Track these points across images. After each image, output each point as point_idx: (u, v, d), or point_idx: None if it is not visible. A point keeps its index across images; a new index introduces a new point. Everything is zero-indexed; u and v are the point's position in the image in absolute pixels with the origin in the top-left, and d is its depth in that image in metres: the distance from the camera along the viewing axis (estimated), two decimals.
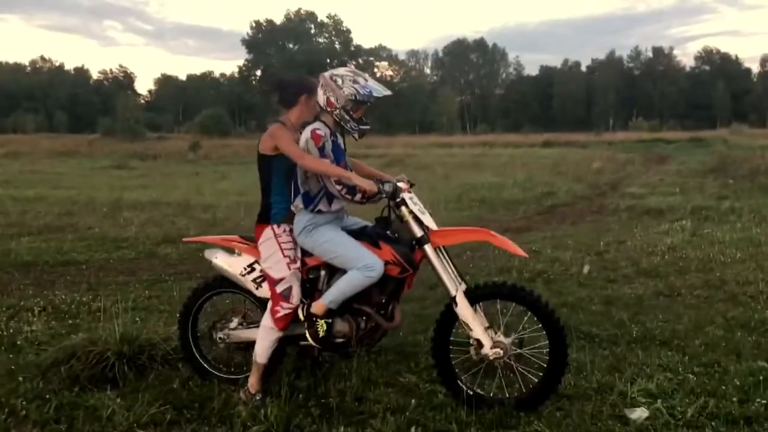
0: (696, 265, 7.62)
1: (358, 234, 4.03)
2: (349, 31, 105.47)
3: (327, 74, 3.99)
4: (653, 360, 4.63)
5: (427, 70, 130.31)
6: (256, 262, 4.15)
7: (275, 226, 4.02)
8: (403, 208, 3.93)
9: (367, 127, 4.07)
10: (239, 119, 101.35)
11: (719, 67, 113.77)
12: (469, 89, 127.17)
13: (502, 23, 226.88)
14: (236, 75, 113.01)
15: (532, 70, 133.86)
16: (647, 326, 5.43)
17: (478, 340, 3.91)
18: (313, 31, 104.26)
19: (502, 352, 3.90)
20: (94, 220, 11.49)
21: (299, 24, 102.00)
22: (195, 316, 4.47)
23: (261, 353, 4.04)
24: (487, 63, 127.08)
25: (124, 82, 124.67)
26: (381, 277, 3.87)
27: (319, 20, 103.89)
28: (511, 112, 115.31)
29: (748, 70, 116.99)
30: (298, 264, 4.03)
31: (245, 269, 4.21)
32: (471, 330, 3.92)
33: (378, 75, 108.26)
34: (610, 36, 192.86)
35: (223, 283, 4.41)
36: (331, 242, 3.93)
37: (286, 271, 3.96)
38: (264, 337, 4.03)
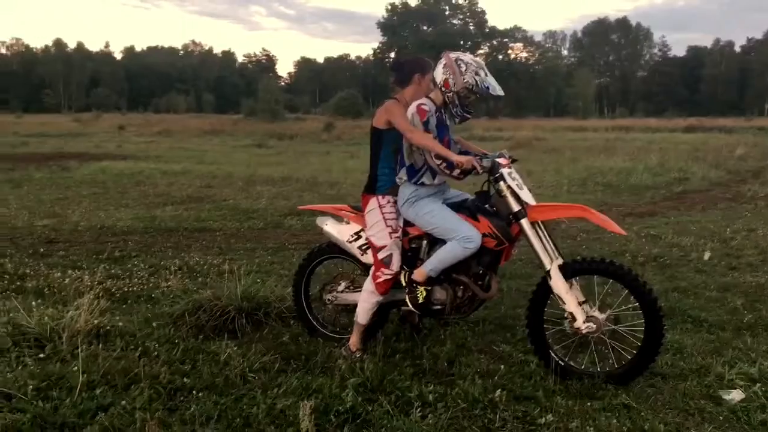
0: None
1: (458, 207, 4.21)
2: (483, 12, 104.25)
3: (453, 55, 4.14)
4: (760, 346, 4.49)
5: (565, 52, 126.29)
6: (362, 230, 4.44)
7: (380, 197, 4.28)
8: (501, 183, 4.05)
9: (470, 116, 4.21)
10: (372, 101, 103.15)
11: None
12: (608, 71, 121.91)
13: (649, 1, 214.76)
14: (371, 57, 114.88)
15: (678, 50, 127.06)
16: (762, 314, 5.25)
17: (571, 314, 4.00)
18: (447, 12, 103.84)
19: (594, 326, 3.96)
20: (230, 192, 12.38)
21: (434, 5, 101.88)
22: (308, 278, 4.85)
23: (362, 315, 4.34)
24: (630, 43, 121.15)
25: (266, 65, 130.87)
26: (478, 249, 4.04)
27: (453, 2, 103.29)
28: (654, 95, 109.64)
29: None
30: (400, 233, 4.28)
31: (352, 236, 4.52)
32: (564, 303, 4.00)
33: (512, 57, 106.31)
34: None
35: (335, 249, 4.74)
36: (432, 214, 4.13)
37: (388, 240, 4.22)
38: (365, 300, 4.33)
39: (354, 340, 4.39)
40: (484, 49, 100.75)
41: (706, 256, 7.19)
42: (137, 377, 3.86)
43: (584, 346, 4.25)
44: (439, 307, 4.23)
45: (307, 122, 51.92)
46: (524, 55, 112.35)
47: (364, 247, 4.47)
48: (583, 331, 3.99)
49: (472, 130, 36.29)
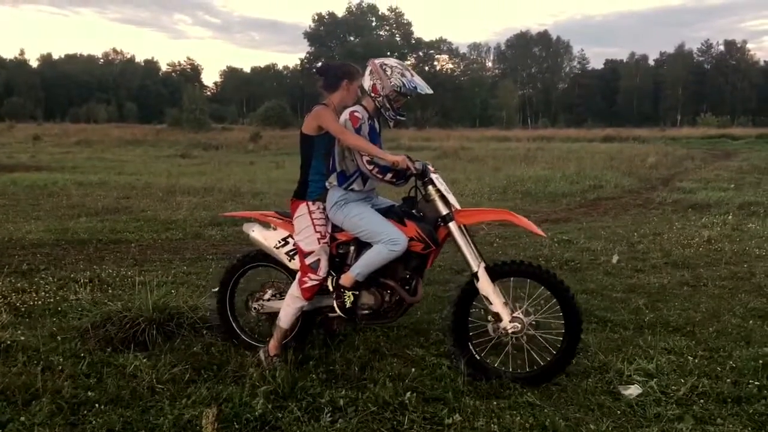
0: (729, 257, 7.58)
1: (385, 212, 4.24)
2: (409, 24, 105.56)
3: (377, 61, 4.20)
4: (658, 343, 4.72)
5: (489, 64, 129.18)
6: (290, 236, 4.40)
7: (310, 203, 4.25)
8: (430, 187, 4.13)
9: (403, 117, 4.29)
10: (300, 111, 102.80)
11: None
12: (531, 83, 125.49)
13: (568, 16, 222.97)
14: (298, 67, 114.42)
15: (597, 63, 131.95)
16: (663, 313, 5.51)
17: (497, 314, 4.10)
18: (374, 23, 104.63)
19: (519, 326, 4.07)
20: (148, 203, 12.07)
21: (360, 17, 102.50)
22: (234, 285, 4.77)
23: (284, 319, 4.31)
24: (551, 56, 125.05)
25: (191, 74, 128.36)
26: (405, 253, 4.09)
27: (380, 13, 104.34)
28: (575, 106, 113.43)
29: None
30: (328, 239, 4.27)
31: (279, 242, 4.47)
32: (491, 304, 4.10)
33: (438, 68, 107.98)
34: (680, 29, 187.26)
35: (262, 257, 4.67)
36: (360, 217, 4.14)
37: (316, 245, 4.21)
38: (289, 304, 4.30)
39: (273, 345, 4.35)
40: (410, 60, 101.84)
41: (614, 259, 7.50)
42: (39, 392, 3.74)
43: (495, 349, 4.35)
44: (366, 311, 4.25)
45: (233, 132, 51.24)
46: (450, 66, 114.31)
47: (291, 253, 4.42)
48: (509, 331, 4.09)
49: (400, 140, 36.65)
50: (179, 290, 5.69)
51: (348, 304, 4.21)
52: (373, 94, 4.17)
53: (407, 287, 4.23)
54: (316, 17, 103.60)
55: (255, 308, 4.64)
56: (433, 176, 4.15)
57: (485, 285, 4.09)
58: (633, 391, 3.95)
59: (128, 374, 4.06)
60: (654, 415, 3.65)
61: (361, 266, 4.14)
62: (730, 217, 10.29)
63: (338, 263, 4.35)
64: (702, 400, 3.80)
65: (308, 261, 4.23)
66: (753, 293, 6.13)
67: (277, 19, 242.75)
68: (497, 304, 4.09)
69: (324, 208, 4.28)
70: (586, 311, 5.50)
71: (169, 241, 8.84)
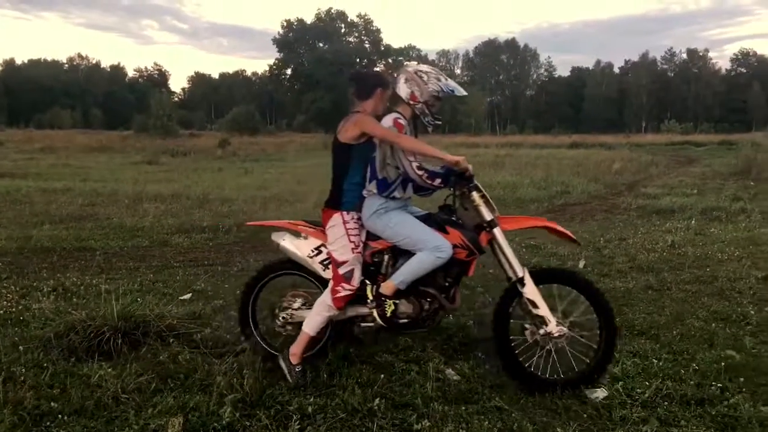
0: (692, 261, 7.71)
1: (425, 220, 4.20)
2: (379, 31, 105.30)
3: (411, 69, 4.19)
4: (624, 347, 4.78)
5: (458, 71, 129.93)
6: (323, 245, 4.33)
7: (345, 213, 4.16)
8: (475, 193, 4.11)
9: (440, 122, 4.25)
10: (270, 117, 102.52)
11: (756, 69, 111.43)
12: (499, 90, 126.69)
13: (535, 24, 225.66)
14: (267, 74, 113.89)
15: (563, 71, 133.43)
16: (628, 317, 5.59)
17: (543, 318, 4.10)
18: (343, 30, 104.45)
19: (566, 330, 4.12)
20: (114, 210, 11.88)
21: (329, 23, 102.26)
22: (257, 294, 4.67)
23: (312, 325, 4.25)
24: (518, 64, 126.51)
25: (158, 80, 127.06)
26: (447, 261, 4.05)
27: (349, 20, 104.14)
28: (542, 113, 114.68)
29: None
30: (361, 249, 4.21)
31: (313, 251, 4.39)
32: (537, 308, 4.09)
33: None
34: (644, 37, 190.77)
35: (287, 265, 4.58)
36: (402, 225, 4.09)
37: (350, 255, 4.14)
38: (319, 312, 4.24)
39: (296, 351, 4.25)
40: (380, 67, 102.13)
41: (581, 264, 7.59)
42: (0, 403, 3.66)
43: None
44: (405, 320, 4.21)
45: (201, 138, 50.78)
46: None
47: (326, 263, 4.34)
48: (555, 335, 4.09)
49: None
50: (145, 298, 5.64)
51: (388, 314, 4.16)
52: (411, 102, 4.13)
53: (446, 295, 4.21)
54: (285, 24, 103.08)
55: (283, 317, 4.53)
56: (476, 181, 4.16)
57: (531, 289, 4.10)
58: (599, 394, 4.00)
59: (93, 384, 3.99)
60: (620, 417, 3.71)
61: (404, 274, 4.08)
62: (693, 222, 10.50)
63: (373, 272, 4.30)
64: (666, 403, 3.86)
65: (342, 271, 4.16)
66: (715, 296, 6.24)
67: (246, 24, 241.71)
68: (543, 308, 4.10)
69: (358, 218, 4.22)
70: None
71: (135, 248, 8.72)
